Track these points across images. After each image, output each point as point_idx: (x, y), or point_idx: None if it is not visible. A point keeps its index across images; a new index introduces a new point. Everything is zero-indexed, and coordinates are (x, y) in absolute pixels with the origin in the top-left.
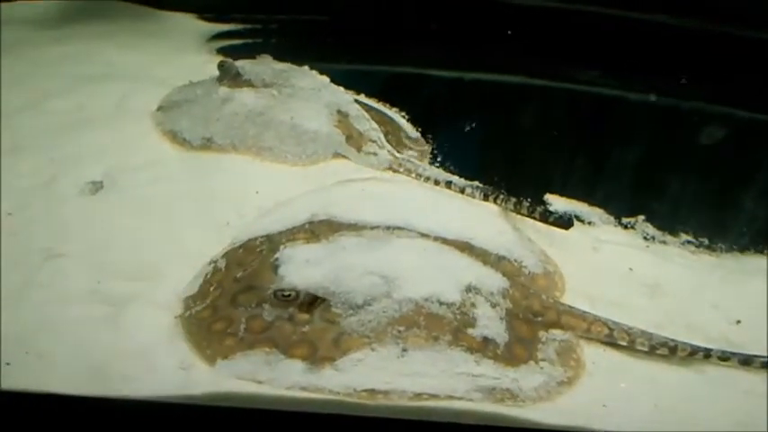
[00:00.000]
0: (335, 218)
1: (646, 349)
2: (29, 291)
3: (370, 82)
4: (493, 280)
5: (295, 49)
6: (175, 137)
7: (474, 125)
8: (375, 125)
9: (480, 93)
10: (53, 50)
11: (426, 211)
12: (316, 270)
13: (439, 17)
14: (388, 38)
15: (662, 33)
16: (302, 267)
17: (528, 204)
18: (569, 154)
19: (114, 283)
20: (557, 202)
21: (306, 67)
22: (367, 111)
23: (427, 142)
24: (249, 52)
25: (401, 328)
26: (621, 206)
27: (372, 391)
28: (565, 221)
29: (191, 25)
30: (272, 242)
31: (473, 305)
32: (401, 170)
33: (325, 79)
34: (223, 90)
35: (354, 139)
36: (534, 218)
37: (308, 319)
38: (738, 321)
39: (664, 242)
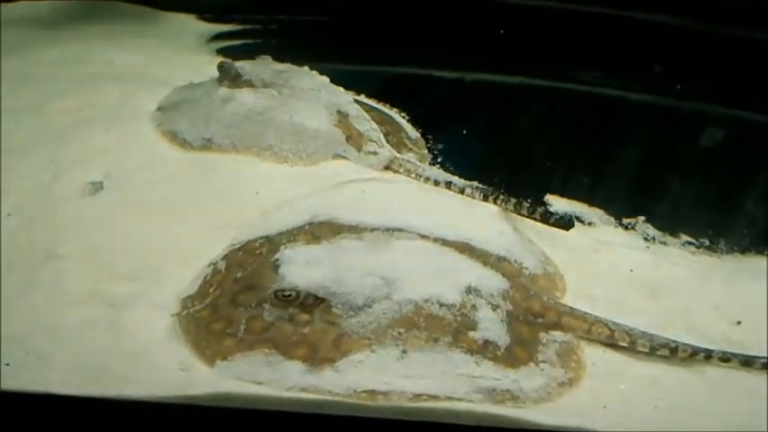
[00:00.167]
0: (336, 219)
1: (646, 350)
2: (29, 291)
3: (370, 82)
4: (493, 281)
5: (295, 49)
6: (175, 137)
7: (474, 125)
8: (375, 125)
9: (480, 93)
10: (53, 51)
11: (426, 212)
12: (316, 271)
13: (439, 17)
14: (388, 38)
15: (663, 33)
16: (303, 268)
17: (528, 205)
18: (570, 154)
19: (114, 284)
20: (557, 203)
21: (306, 68)
22: (367, 111)
23: (427, 142)
24: (249, 53)
25: (401, 330)
26: (622, 207)
27: (372, 392)
28: (565, 222)
29: (191, 26)
30: (273, 243)
31: (473, 307)
32: (401, 170)
33: (325, 80)
34: (223, 90)
35: (354, 139)
36: (534, 219)
37: (309, 320)
38: (739, 322)
39: (664, 243)
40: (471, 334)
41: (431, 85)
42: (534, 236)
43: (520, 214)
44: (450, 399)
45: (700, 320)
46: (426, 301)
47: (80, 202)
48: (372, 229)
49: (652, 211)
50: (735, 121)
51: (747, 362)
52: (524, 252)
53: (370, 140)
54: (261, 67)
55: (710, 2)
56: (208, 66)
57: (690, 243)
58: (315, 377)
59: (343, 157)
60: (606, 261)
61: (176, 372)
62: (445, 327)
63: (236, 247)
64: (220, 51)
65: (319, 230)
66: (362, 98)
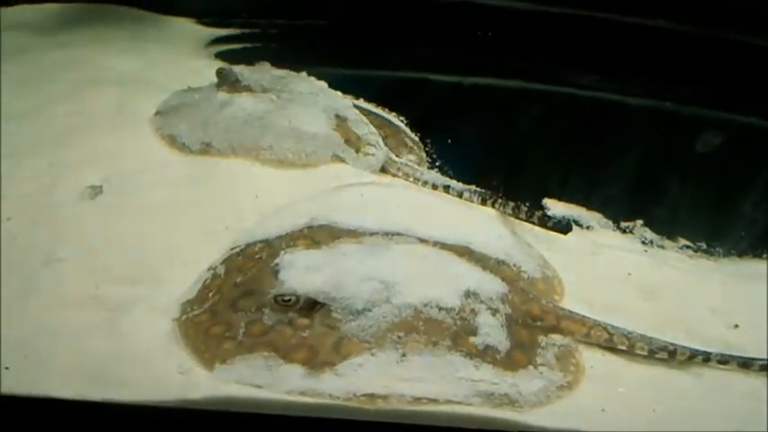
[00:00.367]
0: (335, 223)
1: (645, 353)
2: (28, 295)
3: (368, 87)
4: (492, 285)
5: (294, 53)
6: (174, 141)
7: (472, 129)
8: (373, 129)
9: (479, 97)
10: (53, 55)
11: (425, 216)
12: (316, 275)
13: (437, 22)
14: (387, 43)
15: (661, 37)
16: (302, 272)
17: (526, 209)
18: (567, 158)
19: (113, 288)
20: (555, 207)
21: (303, 73)
22: (366, 115)
23: (426, 146)
24: (248, 57)
25: (401, 333)
26: (620, 210)
27: (372, 396)
28: (563, 226)
29: (190, 30)
30: (272, 247)
31: (472, 310)
32: (399, 174)
33: (323, 84)
34: (222, 95)
35: (352, 143)
36: (533, 222)
37: (308, 324)
38: (737, 325)
39: (662, 246)
40: (471, 339)
41: (429, 89)
42: (533, 239)
43: (518, 218)
44: (449, 402)
45: (698, 323)
46: (425, 304)
47: (79, 205)
48: (371, 233)
49: (650, 214)
50: (732, 125)
51: (746, 364)
52: (523, 256)
53: (369, 144)
54: (259, 72)
55: (709, 7)
56: (207, 70)
57: (687, 246)
58: (314, 380)
59: (341, 159)
60: (604, 264)
61: (175, 375)
62: (444, 330)
63: (235, 251)
64: (219, 55)
65: (318, 234)
66: (361, 102)
